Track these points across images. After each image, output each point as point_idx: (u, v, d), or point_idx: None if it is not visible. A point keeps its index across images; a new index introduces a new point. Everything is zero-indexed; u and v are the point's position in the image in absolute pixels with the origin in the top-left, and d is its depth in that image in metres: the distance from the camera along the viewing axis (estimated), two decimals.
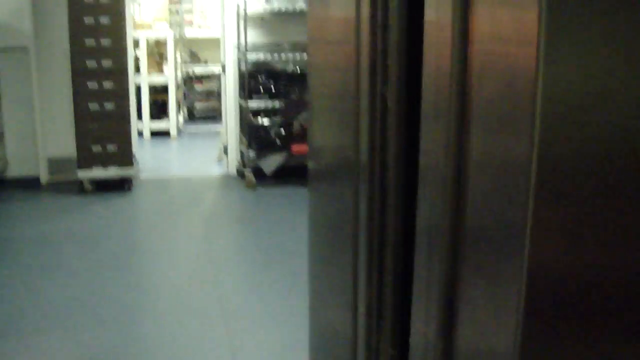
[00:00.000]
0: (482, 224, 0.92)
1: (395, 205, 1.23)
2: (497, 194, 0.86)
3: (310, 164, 1.78)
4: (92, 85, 6.37)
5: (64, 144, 6.90)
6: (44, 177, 6.96)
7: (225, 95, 7.45)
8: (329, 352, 1.70)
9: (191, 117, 11.12)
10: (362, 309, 1.36)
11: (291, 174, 6.71)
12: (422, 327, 1.14)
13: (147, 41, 9.54)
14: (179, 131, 10.05)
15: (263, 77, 6.91)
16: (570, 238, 0.78)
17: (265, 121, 6.97)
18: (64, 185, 6.78)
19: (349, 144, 1.38)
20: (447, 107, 0.95)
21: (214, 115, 10.66)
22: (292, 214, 5.85)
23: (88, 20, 6.27)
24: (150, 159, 8.51)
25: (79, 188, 6.59)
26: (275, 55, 6.84)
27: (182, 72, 10.57)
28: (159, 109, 10.07)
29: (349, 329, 1.42)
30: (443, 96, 0.98)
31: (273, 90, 6.86)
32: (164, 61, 9.80)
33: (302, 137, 6.72)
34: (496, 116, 0.86)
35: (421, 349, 1.15)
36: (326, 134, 1.65)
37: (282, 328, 3.66)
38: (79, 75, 6.36)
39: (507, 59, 0.83)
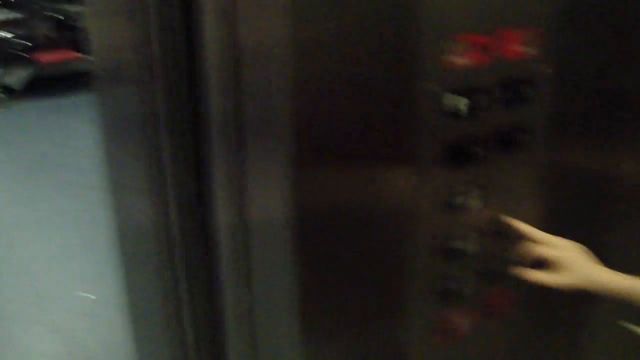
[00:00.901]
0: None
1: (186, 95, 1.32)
2: None
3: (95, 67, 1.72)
4: None
5: None
6: None
7: None
8: (136, 245, 1.77)
9: None
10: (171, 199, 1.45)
11: (46, 85, 6.43)
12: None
13: None
14: None
15: None
16: None
17: (4, 34, 6.49)
18: None
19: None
20: None
21: None
22: (48, 127, 5.70)
23: None
24: None
25: None
26: None
27: None
28: None
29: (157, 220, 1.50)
30: None
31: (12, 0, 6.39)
32: None
33: (51, 46, 6.42)
34: None
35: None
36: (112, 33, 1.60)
37: (60, 232, 3.77)
38: None
39: None
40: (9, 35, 6.40)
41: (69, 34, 6.40)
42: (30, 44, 6.43)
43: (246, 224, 1.19)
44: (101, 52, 1.67)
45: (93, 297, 3.02)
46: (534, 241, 1.16)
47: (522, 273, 1.14)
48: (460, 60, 1.08)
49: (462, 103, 1.09)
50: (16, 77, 6.43)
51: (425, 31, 1.03)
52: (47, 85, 6.47)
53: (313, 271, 1.09)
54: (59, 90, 6.56)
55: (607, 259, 1.34)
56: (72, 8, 6.21)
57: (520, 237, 1.18)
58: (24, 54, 6.39)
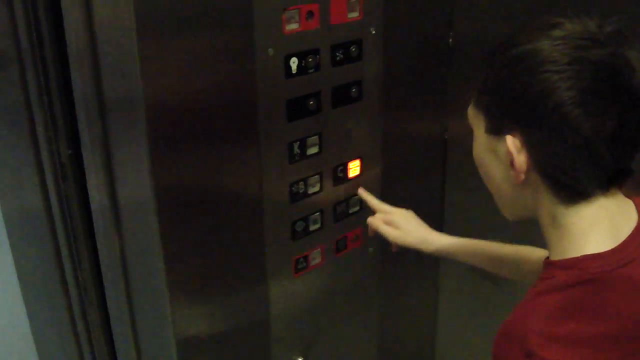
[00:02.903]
0: None
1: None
2: None
3: None
4: None
5: None
6: None
7: None
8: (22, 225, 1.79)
9: None
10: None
11: None
12: None
13: None
14: None
15: None
16: None
17: None
18: None
19: None
20: None
21: None
22: None
23: None
24: None
25: None
26: None
27: None
28: None
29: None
30: None
31: None
32: None
33: None
34: None
35: None
36: None
37: None
38: None
39: None
40: None
41: None
42: None
43: (116, 204, 1.28)
44: None
45: None
46: (374, 210, 1.36)
47: (373, 223, 1.34)
48: (293, 27, 1.23)
49: (293, 62, 1.25)
50: None
51: (261, 5, 1.18)
52: None
53: (178, 242, 1.21)
54: None
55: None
56: None
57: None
58: None
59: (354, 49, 1.34)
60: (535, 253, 1.14)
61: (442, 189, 1.70)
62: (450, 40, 1.53)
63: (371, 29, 1.36)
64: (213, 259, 1.28)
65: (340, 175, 1.41)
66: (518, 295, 0.82)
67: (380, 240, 1.36)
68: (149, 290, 1.28)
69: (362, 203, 1.45)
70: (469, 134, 0.89)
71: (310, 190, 1.36)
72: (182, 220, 1.20)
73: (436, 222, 1.65)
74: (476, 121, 0.85)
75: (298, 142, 1.31)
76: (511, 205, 0.88)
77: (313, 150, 1.34)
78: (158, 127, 1.11)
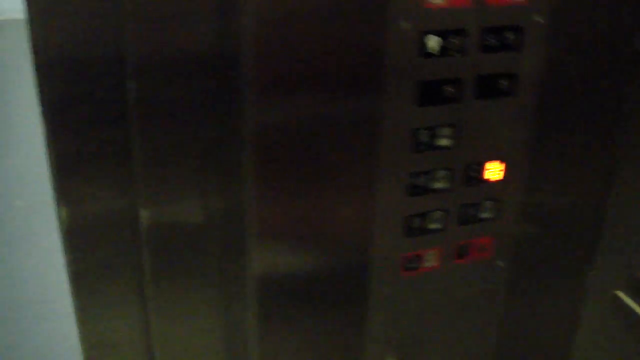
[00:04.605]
0: None
1: None
2: None
3: None
4: None
5: None
6: None
7: None
8: None
9: None
10: None
11: None
12: None
13: None
14: None
15: None
16: None
17: None
18: None
19: None
20: None
21: None
22: None
23: None
24: None
25: None
26: None
27: None
28: None
29: None
30: None
31: None
32: None
33: None
34: None
35: None
36: None
37: None
38: None
39: None
40: None
41: None
42: None
43: None
44: None
45: None
46: None
47: None
48: (438, 1, 1.10)
49: (435, 42, 1.12)
50: None
51: None
52: None
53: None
54: None
55: None
56: None
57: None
58: None
59: (511, 36, 1.17)
60: None
61: (603, 205, 1.47)
62: (637, 44, 1.30)
63: (537, 17, 1.18)
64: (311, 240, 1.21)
65: (474, 175, 1.26)
66: None
67: (515, 256, 1.21)
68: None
69: (500, 211, 1.29)
70: None
71: (435, 185, 1.23)
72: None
73: (592, 240, 1.44)
74: None
75: (426, 131, 1.18)
76: None
77: (443, 142, 1.20)
78: (267, 92, 1.06)
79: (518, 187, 1.31)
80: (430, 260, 1.29)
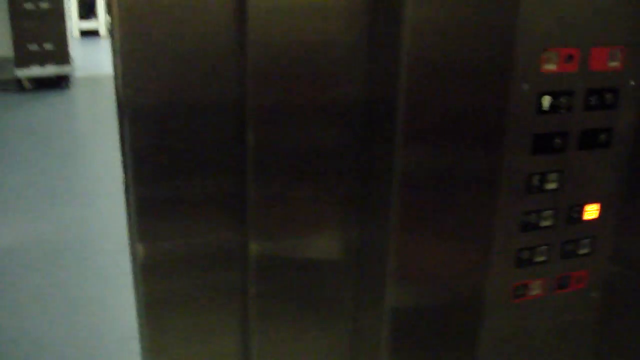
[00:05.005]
0: None
1: None
2: None
3: None
4: None
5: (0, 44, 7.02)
6: None
7: None
8: None
9: None
10: None
11: None
12: None
13: None
14: None
15: None
16: None
17: None
18: (1, 84, 6.95)
19: None
20: None
21: None
22: None
23: None
24: (83, 58, 8.66)
25: (18, 86, 6.80)
26: None
27: None
28: (88, 9, 10.09)
29: None
30: None
31: None
32: None
33: None
34: None
35: None
36: None
37: None
38: None
39: None
40: None
41: None
42: None
43: None
44: None
45: None
46: None
47: None
48: (551, 67, 1.32)
49: (546, 100, 1.33)
50: None
51: (523, 42, 1.29)
52: None
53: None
54: None
55: None
56: None
57: None
58: None
59: (609, 97, 1.39)
60: None
61: None
62: None
63: (630, 80, 1.40)
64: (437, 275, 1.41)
65: (575, 215, 1.46)
66: None
67: (607, 287, 1.38)
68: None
69: (594, 247, 1.48)
70: None
71: (542, 223, 1.43)
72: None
73: None
74: None
75: (538, 176, 1.39)
76: None
77: (551, 185, 1.41)
78: (414, 142, 1.28)
79: (612, 227, 1.51)
80: (536, 289, 1.48)
